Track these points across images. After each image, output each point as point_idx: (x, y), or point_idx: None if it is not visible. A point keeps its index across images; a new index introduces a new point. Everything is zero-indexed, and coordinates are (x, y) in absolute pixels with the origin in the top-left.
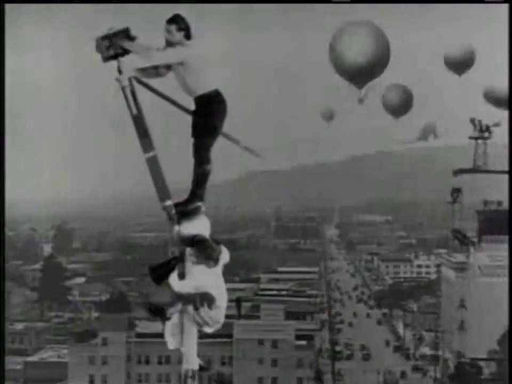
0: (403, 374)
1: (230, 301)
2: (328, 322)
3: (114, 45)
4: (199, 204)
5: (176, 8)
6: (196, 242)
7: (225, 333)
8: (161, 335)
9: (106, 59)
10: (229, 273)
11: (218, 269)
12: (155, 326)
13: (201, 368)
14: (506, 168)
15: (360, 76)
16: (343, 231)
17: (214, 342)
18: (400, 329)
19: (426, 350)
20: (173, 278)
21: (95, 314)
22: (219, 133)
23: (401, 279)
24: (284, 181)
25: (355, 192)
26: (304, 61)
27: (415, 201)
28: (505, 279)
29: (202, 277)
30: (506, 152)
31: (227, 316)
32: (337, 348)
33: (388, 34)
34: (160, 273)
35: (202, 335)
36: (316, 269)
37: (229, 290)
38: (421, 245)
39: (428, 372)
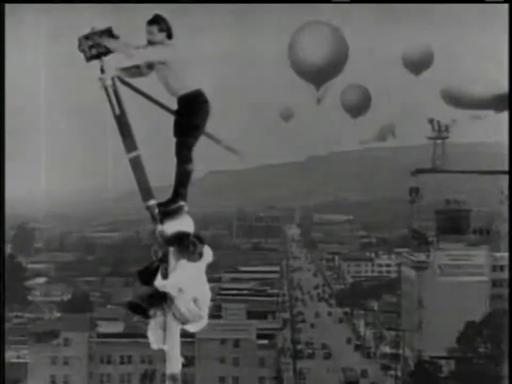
0: (364, 373)
1: None
2: (289, 321)
3: (97, 44)
4: (182, 203)
5: (158, 8)
6: (177, 237)
7: (187, 333)
8: (122, 335)
9: (89, 58)
10: None
11: (202, 267)
12: (117, 326)
13: (184, 365)
14: (464, 168)
15: (318, 76)
16: (304, 230)
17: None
18: (361, 328)
19: (387, 349)
20: (158, 279)
21: (57, 315)
22: (201, 132)
23: (362, 278)
24: (246, 181)
25: (316, 191)
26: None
27: (376, 201)
28: (464, 278)
29: (186, 275)
30: (464, 151)
31: None
32: (299, 347)
33: (346, 35)
34: (146, 276)
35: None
36: (277, 268)
37: None
38: (382, 244)
39: (389, 370)
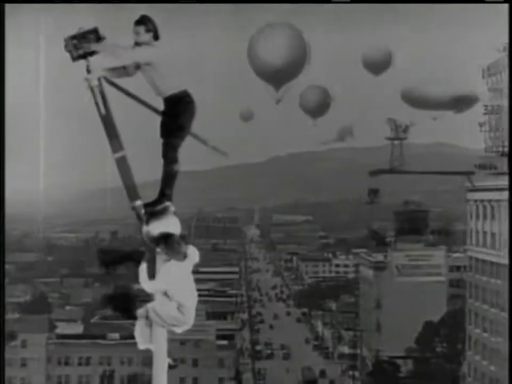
0: (322, 373)
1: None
2: (248, 322)
3: (83, 45)
4: (168, 203)
5: (144, 9)
6: (162, 237)
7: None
8: (81, 337)
9: (75, 59)
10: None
11: (188, 269)
12: (75, 327)
13: (170, 366)
14: (423, 168)
15: (277, 77)
16: (263, 231)
17: (135, 343)
18: (319, 328)
19: (345, 349)
20: (144, 279)
21: (16, 316)
22: (187, 133)
23: (320, 279)
24: (205, 182)
25: (275, 192)
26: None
27: (335, 202)
28: (422, 279)
29: (171, 277)
30: (422, 152)
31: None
32: (258, 347)
33: (306, 35)
34: (109, 258)
35: (126, 336)
36: (236, 269)
37: None
38: (340, 245)
39: (347, 370)
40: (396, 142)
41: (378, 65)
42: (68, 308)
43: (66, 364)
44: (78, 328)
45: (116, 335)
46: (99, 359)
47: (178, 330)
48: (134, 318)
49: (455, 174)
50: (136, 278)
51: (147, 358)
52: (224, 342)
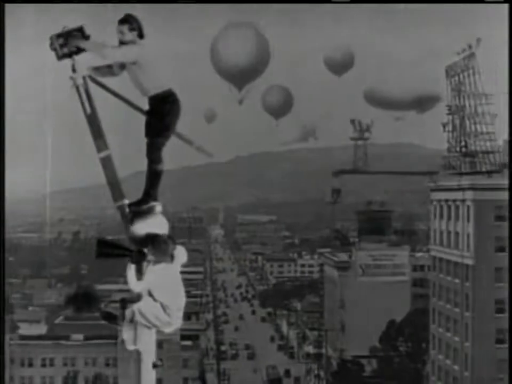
0: (287, 372)
1: (114, 302)
2: (213, 322)
3: (69, 43)
4: (153, 203)
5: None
6: (149, 238)
7: (109, 334)
8: (44, 337)
9: (60, 57)
10: (113, 274)
11: (175, 269)
12: (38, 328)
13: (155, 366)
14: (386, 168)
15: (239, 77)
16: (228, 231)
17: (99, 344)
18: (284, 328)
19: (310, 349)
20: (131, 279)
21: None
22: (172, 132)
23: (285, 279)
24: (169, 181)
25: (239, 192)
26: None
27: (299, 201)
28: (386, 278)
29: (158, 278)
30: (385, 152)
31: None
32: (222, 348)
33: (268, 36)
34: (109, 250)
35: (90, 337)
36: (201, 269)
37: (113, 291)
38: (305, 245)
39: (312, 370)
40: (360, 142)
41: (340, 66)
42: (30, 308)
43: (30, 365)
44: (41, 329)
45: (80, 336)
46: (63, 360)
47: (167, 330)
48: (117, 322)
49: (418, 174)
50: (99, 278)
51: (111, 359)
52: (189, 343)
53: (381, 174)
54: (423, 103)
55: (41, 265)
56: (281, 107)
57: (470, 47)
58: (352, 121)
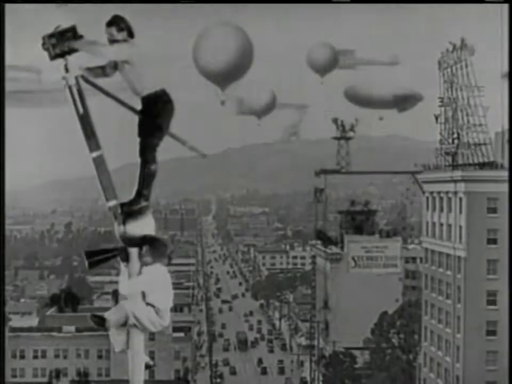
0: (280, 363)
1: (106, 293)
2: (205, 314)
3: (61, 43)
4: (145, 203)
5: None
6: (148, 241)
7: (102, 326)
8: (35, 329)
9: (53, 57)
10: (105, 266)
11: (166, 269)
12: (30, 320)
13: (148, 366)
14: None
15: (222, 77)
16: (220, 223)
17: (91, 336)
18: (276, 319)
19: (302, 340)
20: (123, 281)
21: None
22: (165, 132)
23: (277, 270)
24: (161, 173)
25: (232, 184)
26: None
27: (292, 193)
28: (378, 270)
29: (152, 280)
30: (368, 150)
31: (104, 309)
32: (215, 338)
33: (251, 36)
34: (99, 258)
35: (82, 329)
36: (193, 261)
37: (106, 283)
38: (297, 237)
39: (304, 361)
40: (342, 141)
41: (323, 66)
42: (22, 300)
43: (22, 357)
44: (33, 321)
45: (72, 328)
46: (54, 352)
47: (154, 329)
48: (107, 329)
49: (400, 173)
50: (90, 271)
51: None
52: (181, 334)
53: (363, 174)
54: (404, 101)
55: (34, 257)
56: (264, 106)
57: (462, 40)
58: (335, 121)
